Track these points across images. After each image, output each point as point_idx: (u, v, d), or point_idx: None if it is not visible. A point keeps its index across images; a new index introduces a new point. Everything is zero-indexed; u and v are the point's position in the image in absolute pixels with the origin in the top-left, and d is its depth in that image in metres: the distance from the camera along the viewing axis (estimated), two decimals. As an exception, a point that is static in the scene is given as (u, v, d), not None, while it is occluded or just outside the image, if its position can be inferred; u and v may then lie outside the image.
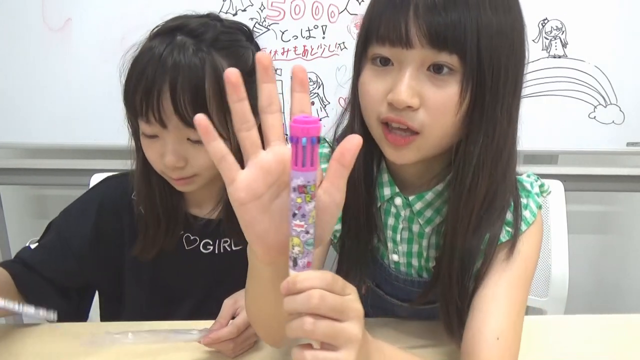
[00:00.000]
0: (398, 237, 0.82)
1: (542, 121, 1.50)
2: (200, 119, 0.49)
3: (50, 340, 0.87)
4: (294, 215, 0.49)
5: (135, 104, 0.81)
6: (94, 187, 1.03)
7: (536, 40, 1.49)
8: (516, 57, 0.67)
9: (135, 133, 0.89)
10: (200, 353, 0.84)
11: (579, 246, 1.83)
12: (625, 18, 1.49)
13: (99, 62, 1.47)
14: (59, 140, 1.56)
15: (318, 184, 0.51)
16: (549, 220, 1.27)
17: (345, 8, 1.48)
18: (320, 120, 1.55)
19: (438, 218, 0.78)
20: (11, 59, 1.50)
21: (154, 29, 0.86)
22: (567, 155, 1.67)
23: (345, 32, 1.49)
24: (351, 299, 0.52)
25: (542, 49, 1.50)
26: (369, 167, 0.78)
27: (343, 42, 1.50)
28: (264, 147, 0.51)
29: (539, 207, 0.79)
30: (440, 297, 0.76)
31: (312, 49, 1.51)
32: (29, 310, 0.79)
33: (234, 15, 1.47)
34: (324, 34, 1.50)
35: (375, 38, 0.67)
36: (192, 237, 0.96)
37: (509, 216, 0.74)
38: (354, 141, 0.49)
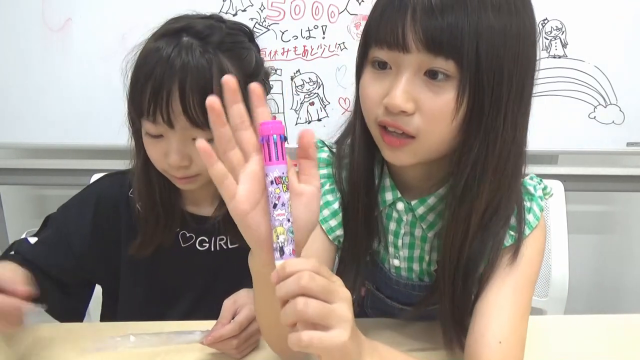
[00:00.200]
0: (399, 242, 0.81)
1: (542, 121, 1.50)
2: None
3: (51, 340, 0.87)
4: (275, 206, 0.54)
5: (143, 104, 0.81)
6: (92, 184, 1.04)
7: (536, 40, 1.49)
8: (522, 62, 0.64)
9: (137, 132, 0.89)
10: (202, 355, 0.84)
11: (579, 246, 1.83)
12: (625, 18, 1.49)
13: (99, 62, 1.47)
14: (59, 140, 1.56)
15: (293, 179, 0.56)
16: (549, 221, 1.27)
17: (345, 8, 1.48)
18: (320, 120, 1.57)
19: (441, 222, 0.77)
20: (11, 59, 1.50)
21: (157, 30, 0.86)
22: (567, 155, 1.67)
23: (345, 32, 1.49)
24: (338, 284, 0.55)
25: (542, 49, 1.50)
26: (371, 171, 0.78)
27: (343, 42, 1.50)
28: None
29: (542, 210, 0.78)
30: (441, 300, 0.76)
31: (312, 49, 1.51)
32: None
33: (234, 15, 1.47)
34: (324, 34, 1.50)
35: (375, 41, 0.66)
36: (188, 235, 0.97)
37: (512, 220, 0.74)
38: (308, 135, 0.54)
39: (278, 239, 0.54)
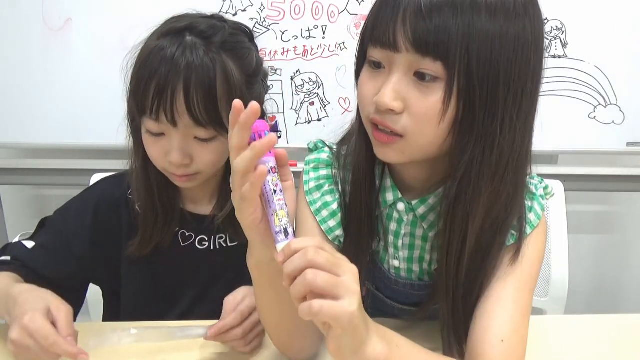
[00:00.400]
0: (400, 243, 0.82)
1: (542, 121, 1.50)
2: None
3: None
4: (274, 192, 0.59)
5: (146, 102, 0.81)
6: (91, 187, 1.04)
7: (536, 40, 1.49)
8: (521, 68, 0.63)
9: (136, 130, 0.89)
10: (205, 353, 0.84)
11: (579, 246, 1.83)
12: (625, 18, 1.49)
13: (99, 62, 1.47)
14: (59, 140, 1.56)
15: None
16: (549, 220, 1.27)
17: (345, 8, 1.48)
18: (320, 120, 1.57)
19: (442, 222, 0.77)
20: (11, 59, 1.50)
21: (159, 28, 0.86)
22: (567, 155, 1.67)
23: (345, 32, 1.49)
24: (344, 258, 0.57)
25: (544, 48, 1.50)
26: (372, 171, 0.78)
27: (343, 42, 1.50)
28: None
29: (543, 209, 0.78)
30: (441, 303, 0.75)
31: (312, 49, 1.51)
32: None
33: (234, 15, 1.47)
34: (324, 34, 1.50)
35: (370, 40, 0.67)
36: (187, 234, 0.97)
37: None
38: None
39: (281, 221, 0.58)
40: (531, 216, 0.76)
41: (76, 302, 0.99)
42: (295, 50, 1.51)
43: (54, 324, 0.72)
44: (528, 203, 0.76)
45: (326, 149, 0.86)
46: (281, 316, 0.75)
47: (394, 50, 0.64)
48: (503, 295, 0.73)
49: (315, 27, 1.49)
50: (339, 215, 0.81)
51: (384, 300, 0.88)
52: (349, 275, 0.55)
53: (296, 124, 1.56)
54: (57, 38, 1.49)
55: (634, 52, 1.51)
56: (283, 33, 1.50)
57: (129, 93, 0.85)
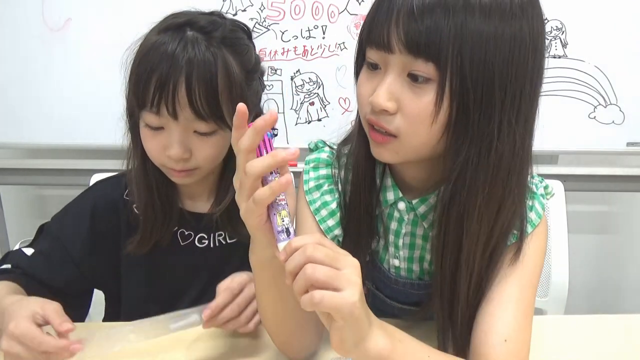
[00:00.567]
0: (400, 242, 0.82)
1: (542, 121, 1.50)
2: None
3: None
4: None
5: (147, 95, 0.81)
6: (87, 190, 1.03)
7: (536, 40, 1.49)
8: (518, 69, 0.63)
9: (134, 126, 0.89)
10: (205, 353, 0.84)
11: (579, 246, 1.83)
12: (625, 18, 1.49)
13: (99, 62, 1.47)
14: (59, 140, 1.56)
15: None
16: (549, 220, 1.27)
17: (345, 8, 1.48)
18: (320, 120, 1.57)
19: (436, 224, 0.77)
20: (11, 59, 1.50)
21: (159, 24, 0.87)
22: (567, 155, 1.67)
23: (345, 32, 1.49)
24: (345, 252, 0.58)
25: (545, 49, 1.50)
26: (372, 171, 0.78)
27: (343, 42, 1.50)
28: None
29: (544, 208, 0.78)
30: (436, 302, 0.75)
31: (312, 49, 1.51)
32: None
33: (234, 15, 1.48)
34: (324, 34, 1.50)
35: (367, 42, 0.68)
36: (186, 233, 0.97)
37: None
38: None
39: (283, 221, 0.59)
40: (532, 215, 0.76)
41: (80, 308, 1.00)
42: (295, 50, 1.51)
43: (43, 325, 0.72)
44: (529, 202, 0.76)
45: (326, 148, 0.86)
46: (282, 314, 0.75)
47: (388, 51, 0.64)
48: (505, 296, 0.73)
49: (315, 27, 1.49)
50: (338, 214, 0.81)
51: (383, 299, 0.89)
52: (349, 268, 0.56)
53: (296, 124, 1.56)
54: (57, 38, 1.49)
55: (634, 52, 1.51)
56: (283, 33, 1.50)
57: (128, 87, 0.85)
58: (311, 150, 0.88)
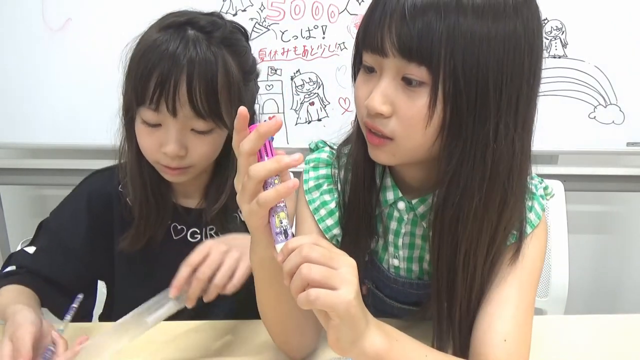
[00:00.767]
0: (400, 242, 0.82)
1: (542, 121, 1.50)
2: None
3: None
4: None
5: (146, 91, 0.82)
6: (82, 183, 1.03)
7: (536, 40, 1.49)
8: (513, 70, 0.62)
9: (130, 122, 0.89)
10: (201, 350, 0.84)
11: (579, 246, 1.83)
12: (625, 18, 1.49)
13: (99, 62, 1.47)
14: (59, 140, 1.56)
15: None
16: (549, 221, 1.27)
17: (345, 8, 1.48)
18: (320, 120, 1.57)
19: (430, 226, 0.77)
20: (11, 59, 1.50)
21: (158, 22, 0.87)
22: (567, 155, 1.67)
23: (345, 32, 1.50)
24: (341, 252, 0.59)
25: (543, 49, 1.50)
26: (371, 171, 0.79)
27: (343, 42, 1.50)
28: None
29: (543, 208, 0.78)
30: (433, 304, 0.75)
31: (312, 49, 1.51)
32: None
33: (234, 15, 1.48)
34: (324, 34, 1.50)
35: (362, 45, 0.68)
36: (179, 227, 0.97)
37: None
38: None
39: (282, 223, 0.59)
40: (531, 216, 0.76)
41: (87, 301, 1.00)
42: (295, 50, 1.51)
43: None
44: (528, 203, 0.76)
45: (326, 148, 0.86)
46: (281, 313, 0.76)
47: (382, 55, 0.64)
48: (504, 296, 0.73)
49: (315, 27, 1.49)
50: (337, 214, 0.82)
51: (383, 299, 0.89)
52: (345, 267, 0.57)
53: (296, 124, 1.56)
54: (57, 38, 1.49)
55: (634, 52, 1.51)
56: (283, 33, 1.50)
57: (126, 83, 0.86)
58: (311, 150, 0.88)
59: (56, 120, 1.53)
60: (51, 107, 1.53)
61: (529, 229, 0.75)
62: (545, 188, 0.81)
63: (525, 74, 0.64)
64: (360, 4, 1.48)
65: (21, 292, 0.88)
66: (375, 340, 0.60)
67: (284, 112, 1.55)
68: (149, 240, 0.94)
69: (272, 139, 0.60)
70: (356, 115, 0.75)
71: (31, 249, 0.94)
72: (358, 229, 0.80)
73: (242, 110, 0.58)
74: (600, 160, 1.67)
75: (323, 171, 0.83)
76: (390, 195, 0.79)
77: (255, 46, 1.47)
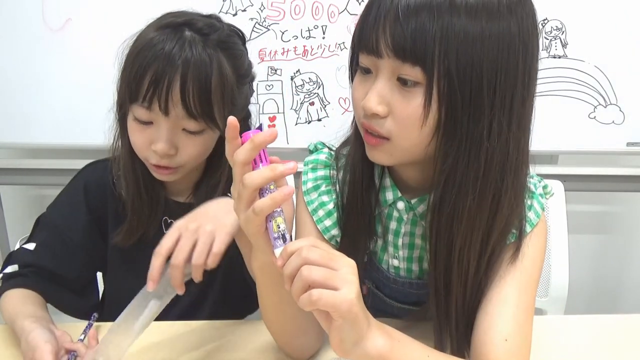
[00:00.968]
0: (400, 242, 0.82)
1: (542, 121, 1.50)
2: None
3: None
4: None
5: (140, 88, 0.82)
6: (76, 176, 1.04)
7: (536, 40, 1.49)
8: (507, 71, 0.62)
9: (123, 118, 0.90)
10: (202, 352, 0.84)
11: (579, 246, 1.83)
12: (625, 18, 1.49)
13: (99, 62, 1.47)
14: (59, 140, 1.56)
15: None
16: (549, 220, 1.27)
17: (345, 8, 1.48)
18: (320, 120, 1.56)
19: (427, 226, 0.77)
20: (11, 59, 1.50)
21: (157, 21, 0.88)
22: (567, 155, 1.67)
23: (345, 32, 1.49)
24: (340, 254, 0.59)
25: (543, 49, 1.50)
26: (370, 171, 0.79)
27: (343, 42, 1.50)
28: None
29: (542, 207, 0.78)
30: (431, 304, 0.76)
31: (312, 49, 1.51)
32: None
33: (234, 15, 1.48)
34: (324, 34, 1.50)
35: (358, 47, 0.68)
36: (169, 221, 0.98)
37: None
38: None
39: (279, 227, 0.59)
40: (530, 214, 0.76)
41: (90, 295, 1.01)
42: (295, 50, 1.51)
43: None
44: (527, 202, 0.76)
45: (325, 150, 0.86)
46: (284, 317, 0.76)
47: (377, 56, 0.65)
48: (504, 295, 0.73)
49: (315, 27, 1.49)
50: (335, 215, 0.82)
51: (383, 299, 0.89)
52: (345, 267, 0.57)
53: (296, 124, 1.56)
54: (57, 38, 1.49)
55: (634, 52, 1.51)
56: (283, 33, 1.50)
57: (121, 79, 0.86)
58: (310, 152, 0.88)
59: (56, 120, 1.53)
60: (51, 107, 1.53)
61: (528, 228, 0.75)
62: (545, 187, 0.81)
63: (519, 73, 0.64)
64: (360, 3, 1.48)
65: (26, 297, 0.88)
66: (377, 341, 0.60)
67: (284, 112, 1.55)
68: (141, 235, 0.95)
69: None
70: (354, 117, 0.75)
71: (31, 246, 0.94)
72: (356, 230, 0.80)
73: (232, 120, 0.58)
74: (600, 160, 1.66)
75: (321, 172, 0.83)
76: (389, 195, 0.79)
77: (255, 46, 1.48)
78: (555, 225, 1.28)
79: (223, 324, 0.91)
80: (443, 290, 0.73)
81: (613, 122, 1.55)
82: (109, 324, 0.90)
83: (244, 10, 1.48)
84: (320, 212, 0.82)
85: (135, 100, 0.83)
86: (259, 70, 1.50)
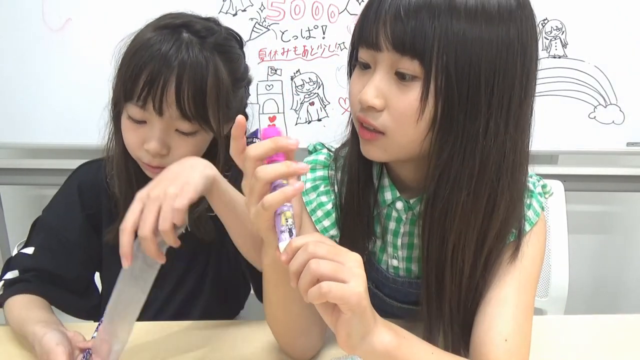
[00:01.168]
0: (399, 242, 0.82)
1: (542, 121, 1.50)
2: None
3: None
4: None
5: (135, 87, 0.83)
6: (69, 177, 1.04)
7: (536, 40, 1.49)
8: (505, 72, 0.63)
9: (117, 116, 0.90)
10: (203, 352, 0.84)
11: (579, 246, 1.83)
12: (625, 18, 1.49)
13: (99, 62, 1.46)
14: (59, 140, 1.56)
15: None
16: (549, 220, 1.27)
17: (345, 8, 1.48)
18: (320, 120, 1.56)
19: (420, 222, 0.77)
20: (11, 59, 1.50)
21: (155, 22, 0.88)
22: (567, 155, 1.67)
23: (345, 32, 1.49)
24: (345, 249, 0.59)
25: (543, 49, 1.50)
26: (369, 171, 0.79)
27: (343, 42, 1.50)
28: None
29: (542, 206, 0.78)
30: (423, 303, 0.76)
31: (312, 49, 1.51)
32: None
33: (234, 15, 1.48)
34: (324, 34, 1.50)
35: (357, 42, 0.69)
36: None
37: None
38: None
39: (287, 221, 0.59)
40: (530, 213, 0.76)
41: (91, 295, 1.01)
42: (295, 50, 1.51)
43: None
44: (526, 201, 0.76)
45: (324, 150, 0.86)
46: (289, 315, 0.76)
47: (376, 49, 0.66)
48: (503, 295, 0.73)
49: (315, 27, 1.49)
50: (334, 215, 0.82)
51: (382, 298, 0.89)
52: (352, 261, 0.57)
53: (296, 124, 1.56)
54: (57, 38, 1.49)
55: (634, 52, 1.51)
56: (283, 33, 1.50)
57: (116, 77, 0.87)
58: (310, 153, 0.88)
59: (56, 120, 1.53)
60: (51, 107, 1.53)
61: (527, 227, 0.75)
62: (544, 186, 0.81)
63: (517, 75, 0.65)
64: (360, 3, 1.48)
65: (31, 303, 0.88)
66: (384, 337, 0.60)
67: (283, 112, 1.55)
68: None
69: None
70: (350, 116, 0.75)
71: (29, 250, 0.94)
72: (355, 230, 0.80)
73: (241, 119, 0.59)
74: (600, 160, 1.66)
75: (320, 173, 0.84)
76: (388, 195, 0.79)
77: (255, 46, 1.48)
78: (555, 225, 1.28)
79: (223, 324, 0.91)
80: (435, 288, 0.73)
81: (613, 122, 1.55)
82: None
83: (244, 10, 1.48)
84: (319, 213, 0.82)
85: (130, 99, 0.84)
86: (259, 70, 1.50)
